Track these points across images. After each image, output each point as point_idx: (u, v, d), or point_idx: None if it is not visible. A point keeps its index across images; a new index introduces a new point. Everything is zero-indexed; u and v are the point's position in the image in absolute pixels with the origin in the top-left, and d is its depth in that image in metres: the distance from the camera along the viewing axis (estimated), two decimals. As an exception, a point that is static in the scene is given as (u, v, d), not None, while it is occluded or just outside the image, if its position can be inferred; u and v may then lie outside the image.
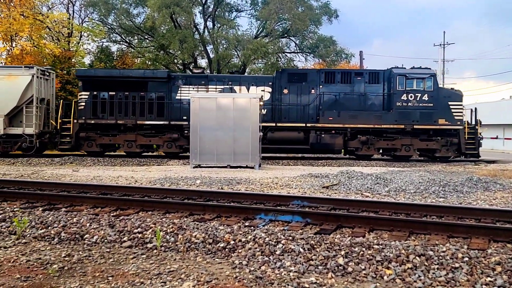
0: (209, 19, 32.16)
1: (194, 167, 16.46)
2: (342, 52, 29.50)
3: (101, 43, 36.36)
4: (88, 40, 36.91)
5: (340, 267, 4.75)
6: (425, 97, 20.72)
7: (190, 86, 21.62)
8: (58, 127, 21.46)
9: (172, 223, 6.31)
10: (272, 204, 8.14)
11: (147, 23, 29.86)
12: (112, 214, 7.08)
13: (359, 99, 21.22)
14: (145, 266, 4.83)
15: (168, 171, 15.44)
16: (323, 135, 21.04)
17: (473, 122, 21.51)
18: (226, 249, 5.42)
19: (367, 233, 6.33)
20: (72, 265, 4.84)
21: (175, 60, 32.37)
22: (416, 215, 7.30)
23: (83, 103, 21.59)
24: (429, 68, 21.84)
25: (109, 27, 34.20)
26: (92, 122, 21.31)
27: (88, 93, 21.63)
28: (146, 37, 33.81)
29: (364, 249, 5.11)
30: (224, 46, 30.36)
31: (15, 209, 7.34)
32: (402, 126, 20.72)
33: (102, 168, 16.69)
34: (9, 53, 30.96)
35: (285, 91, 21.49)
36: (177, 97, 21.59)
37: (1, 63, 29.60)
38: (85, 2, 33.86)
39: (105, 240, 5.81)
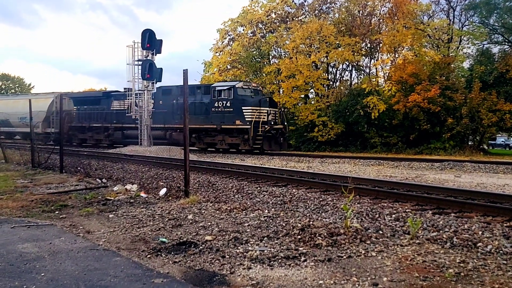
0: None
1: None
2: None
3: (481, 46, 35.00)
4: (468, 43, 36.12)
5: None
6: (228, 104, 26.45)
7: (116, 101, 32.33)
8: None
9: None
10: None
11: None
12: (505, 225, 6.66)
13: (199, 106, 27.64)
14: (550, 287, 4.35)
15: None
16: (173, 133, 28.58)
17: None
18: None
19: None
20: (468, 272, 4.78)
21: None
22: None
23: (75, 114, 35.37)
24: (241, 81, 29.24)
25: (490, 28, 32.67)
26: (73, 125, 34.83)
27: (76, 107, 35.52)
28: (533, 34, 30.69)
29: None
30: None
31: (406, 210, 7.80)
32: (215, 126, 27.05)
33: (485, 175, 15.95)
34: (393, 63, 33.32)
35: (161, 102, 29.49)
36: (111, 108, 32.50)
37: (387, 72, 32.03)
38: (466, 6, 33.33)
39: (500, 251, 5.51)
